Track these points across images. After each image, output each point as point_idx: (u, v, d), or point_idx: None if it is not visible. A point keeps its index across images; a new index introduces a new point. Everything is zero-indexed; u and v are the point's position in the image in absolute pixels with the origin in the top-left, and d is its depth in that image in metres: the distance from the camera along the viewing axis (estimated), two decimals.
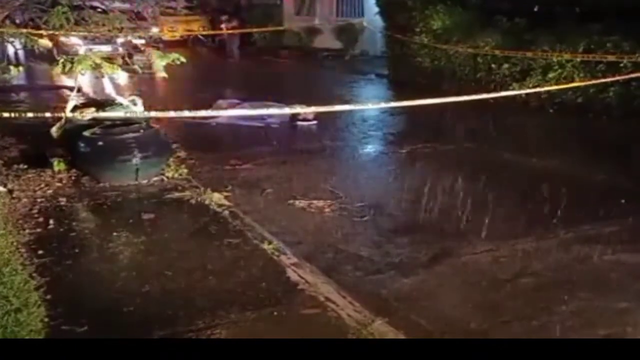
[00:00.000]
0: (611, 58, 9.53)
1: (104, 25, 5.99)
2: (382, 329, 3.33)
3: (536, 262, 4.34)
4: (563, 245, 4.59)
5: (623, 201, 5.34)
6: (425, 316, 3.63)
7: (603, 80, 8.94)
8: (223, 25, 19.83)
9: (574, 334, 3.41)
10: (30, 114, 5.53)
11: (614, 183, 6.16)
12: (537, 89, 9.73)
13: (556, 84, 9.80)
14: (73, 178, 6.05)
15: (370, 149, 8.15)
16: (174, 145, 6.93)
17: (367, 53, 18.05)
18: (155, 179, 6.02)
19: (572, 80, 9.78)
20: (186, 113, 5.69)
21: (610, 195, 5.38)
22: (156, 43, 15.71)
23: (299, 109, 8.38)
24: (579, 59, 10.00)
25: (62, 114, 5.72)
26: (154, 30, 16.03)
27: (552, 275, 4.15)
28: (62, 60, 5.74)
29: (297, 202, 5.67)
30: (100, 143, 5.81)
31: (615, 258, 4.32)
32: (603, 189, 5.96)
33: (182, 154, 7.04)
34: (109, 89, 7.21)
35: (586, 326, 3.50)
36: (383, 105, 10.63)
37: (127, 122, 6.03)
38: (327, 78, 15.81)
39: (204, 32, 20.79)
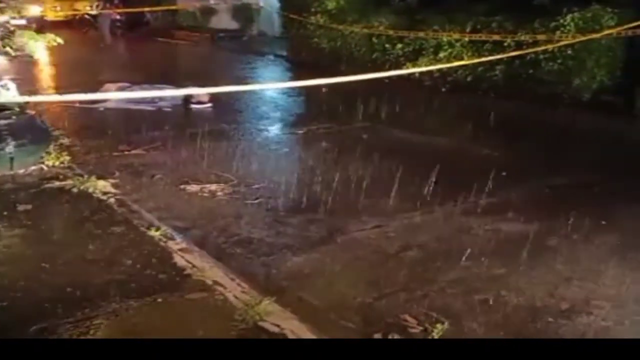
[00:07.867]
0: (496, 37, 9.98)
1: None
2: (269, 308, 3.30)
3: (422, 235, 4.49)
4: (447, 218, 4.77)
5: (504, 174, 5.60)
6: (314, 293, 3.65)
7: (489, 58, 9.35)
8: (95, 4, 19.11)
9: (453, 300, 3.55)
10: None
11: (496, 157, 6.47)
12: (429, 68, 10.04)
13: (447, 63, 10.14)
14: None
15: (267, 130, 8.07)
16: (56, 132, 6.54)
17: (265, 34, 17.88)
18: (33, 168, 5.64)
19: (462, 60, 10.16)
20: (65, 97, 5.36)
21: (493, 169, 5.62)
22: (38, 23, 14.83)
23: (192, 91, 8.17)
24: (467, 39, 10.41)
25: None
26: (35, 9, 15.10)
27: (436, 247, 4.31)
28: None
29: (188, 187, 5.53)
30: None
31: (494, 227, 4.55)
32: (487, 163, 6.21)
33: (65, 140, 6.67)
34: None
35: (466, 293, 3.65)
36: (280, 85, 10.57)
37: None
38: (224, 59, 15.51)
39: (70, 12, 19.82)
